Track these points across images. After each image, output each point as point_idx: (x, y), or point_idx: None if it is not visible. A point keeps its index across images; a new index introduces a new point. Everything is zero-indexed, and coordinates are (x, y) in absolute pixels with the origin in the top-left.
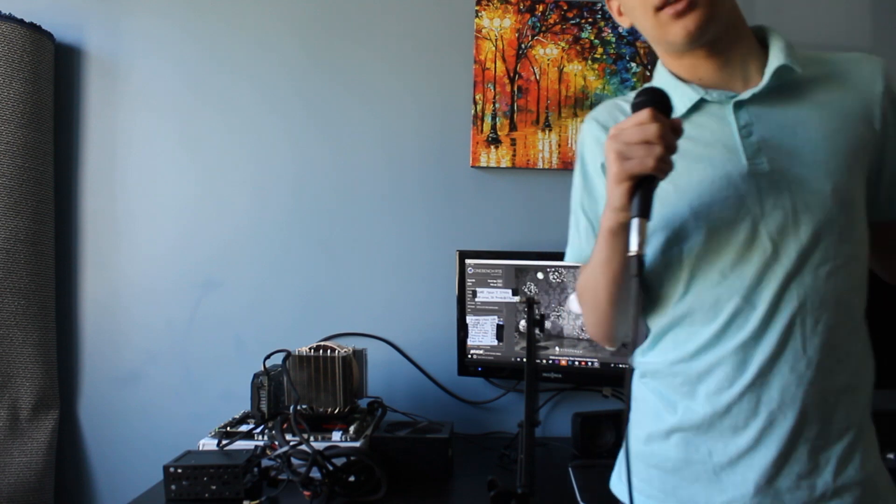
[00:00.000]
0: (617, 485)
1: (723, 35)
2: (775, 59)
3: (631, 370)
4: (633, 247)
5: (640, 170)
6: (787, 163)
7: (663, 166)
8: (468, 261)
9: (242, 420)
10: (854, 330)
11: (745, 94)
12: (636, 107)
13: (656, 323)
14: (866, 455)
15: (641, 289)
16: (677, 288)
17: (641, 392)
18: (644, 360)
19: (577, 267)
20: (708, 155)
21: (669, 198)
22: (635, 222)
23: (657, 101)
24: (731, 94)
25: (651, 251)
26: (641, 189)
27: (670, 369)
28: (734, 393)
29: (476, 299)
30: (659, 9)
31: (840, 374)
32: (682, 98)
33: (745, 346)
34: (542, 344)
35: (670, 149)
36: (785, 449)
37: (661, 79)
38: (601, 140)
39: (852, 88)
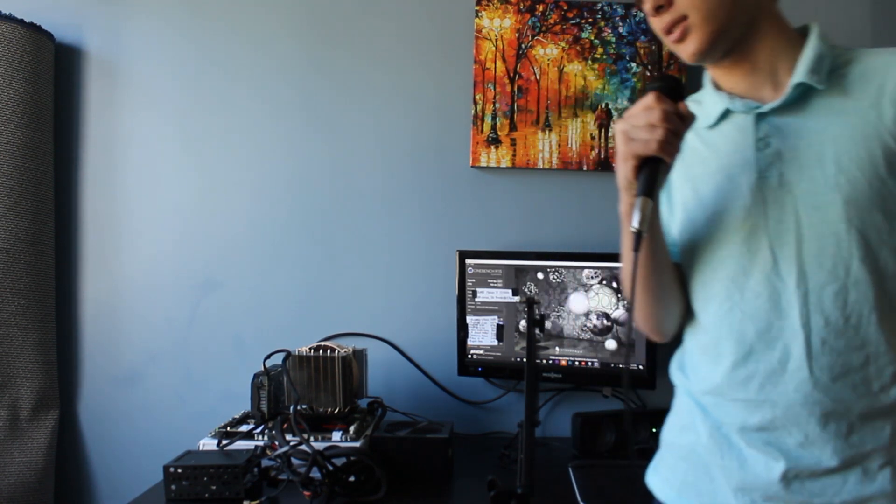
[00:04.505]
0: (652, 477)
1: (741, 44)
2: (798, 73)
3: (627, 370)
4: (635, 223)
5: (643, 151)
6: (798, 177)
7: (667, 148)
8: (468, 261)
9: (242, 420)
10: (876, 355)
11: (766, 107)
12: (646, 91)
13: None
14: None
15: (652, 263)
16: (695, 295)
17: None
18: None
19: (577, 267)
20: (727, 165)
21: (690, 204)
22: (638, 201)
23: (666, 86)
24: (754, 104)
25: (678, 255)
26: (646, 169)
27: (686, 386)
28: (744, 405)
29: (476, 299)
30: (665, 33)
31: (858, 400)
32: (714, 106)
33: (745, 361)
34: (542, 344)
35: (674, 132)
36: (793, 464)
37: (705, 86)
38: None
39: (885, 96)
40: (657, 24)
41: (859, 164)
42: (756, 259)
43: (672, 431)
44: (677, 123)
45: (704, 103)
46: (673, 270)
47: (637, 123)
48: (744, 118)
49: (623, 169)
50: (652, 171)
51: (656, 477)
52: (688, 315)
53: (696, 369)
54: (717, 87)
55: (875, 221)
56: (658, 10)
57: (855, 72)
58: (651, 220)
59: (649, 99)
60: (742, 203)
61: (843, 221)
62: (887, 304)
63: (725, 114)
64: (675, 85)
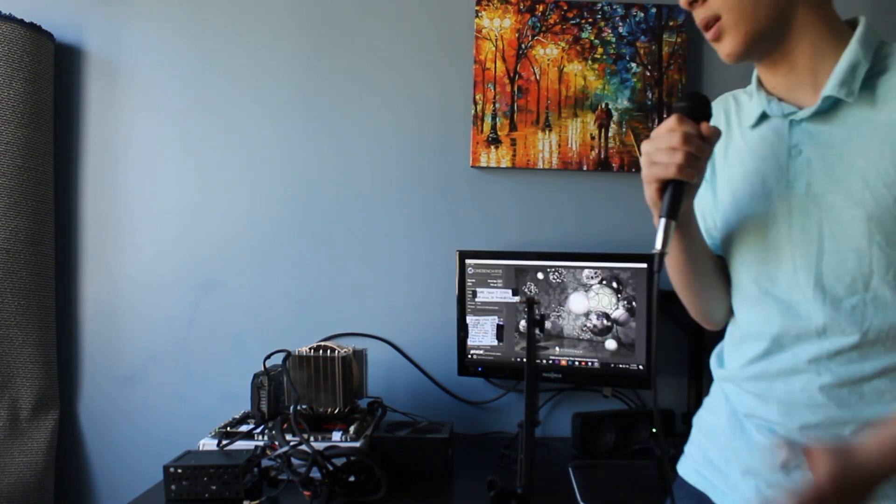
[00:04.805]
0: (683, 460)
1: (779, 44)
2: (830, 85)
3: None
4: (658, 245)
5: (664, 174)
6: (824, 188)
7: (687, 171)
8: (468, 261)
9: (242, 420)
10: (891, 368)
11: (799, 115)
12: (672, 111)
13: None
14: None
15: (658, 287)
16: (731, 287)
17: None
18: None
19: (577, 267)
20: (762, 168)
21: (727, 204)
22: (661, 222)
23: (689, 107)
24: (790, 109)
25: (720, 248)
26: (670, 191)
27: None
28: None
29: (476, 299)
30: (703, 30)
31: (867, 408)
32: (756, 107)
33: (761, 359)
34: (542, 344)
35: (695, 155)
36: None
37: (752, 84)
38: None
39: None
40: (695, 17)
41: (885, 180)
42: (779, 266)
43: (703, 412)
44: (698, 146)
45: (748, 103)
46: (715, 263)
47: (659, 146)
48: (780, 122)
49: (647, 191)
50: (674, 194)
51: (686, 457)
52: (734, 309)
53: (726, 358)
54: (761, 84)
55: None
56: (692, 3)
57: (890, 81)
58: (680, 223)
59: (672, 121)
60: (771, 209)
61: (864, 237)
62: None
63: (763, 116)
64: (701, 104)
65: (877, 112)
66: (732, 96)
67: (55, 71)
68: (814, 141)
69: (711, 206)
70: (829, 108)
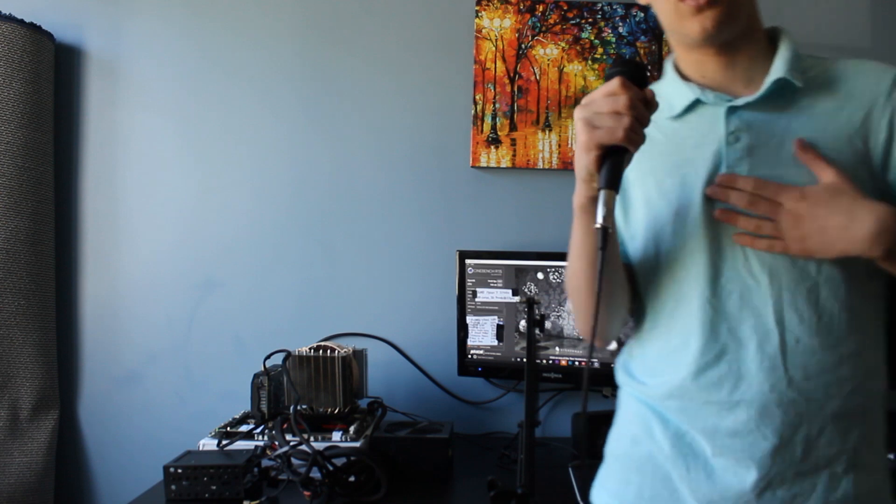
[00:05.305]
0: (599, 492)
1: (738, 36)
2: (777, 69)
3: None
4: (599, 219)
5: (608, 139)
6: (769, 174)
7: (633, 137)
8: (468, 261)
9: (242, 420)
10: (849, 355)
11: (740, 101)
12: (609, 77)
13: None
14: (860, 478)
15: (604, 263)
16: (657, 295)
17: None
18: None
19: None
20: (693, 157)
21: (653, 199)
22: (602, 194)
23: (629, 72)
24: (726, 97)
25: (635, 253)
26: (610, 160)
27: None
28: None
29: (476, 299)
30: None
31: (830, 400)
32: (680, 97)
33: (717, 362)
34: (542, 344)
35: (640, 120)
36: (765, 471)
37: (667, 75)
38: None
39: (855, 99)
40: None
41: (834, 164)
42: (726, 256)
43: (622, 442)
44: (643, 111)
45: (666, 93)
46: (624, 271)
47: (600, 110)
48: (713, 111)
49: (584, 159)
50: (616, 162)
51: (603, 492)
52: (641, 317)
53: (657, 373)
54: (683, 76)
55: None
56: None
57: (826, 76)
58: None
59: (614, 84)
60: (709, 198)
61: None
62: (858, 303)
63: (693, 104)
64: (640, 70)
65: (817, 102)
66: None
67: (55, 71)
68: (753, 128)
69: (621, 213)
70: (771, 95)
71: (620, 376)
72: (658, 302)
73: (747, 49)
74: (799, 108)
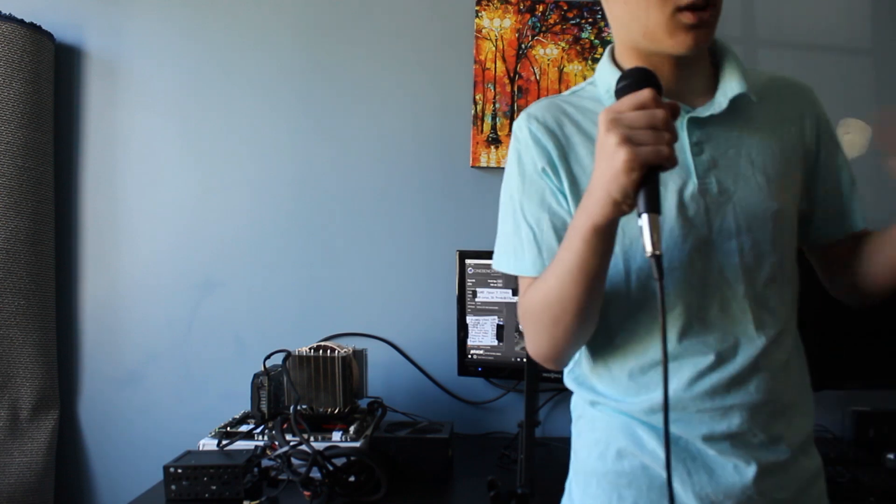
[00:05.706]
0: None
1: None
2: (734, 84)
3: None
4: (649, 247)
5: (654, 158)
6: (733, 185)
7: (674, 158)
8: (468, 261)
9: (242, 420)
10: (793, 349)
11: (704, 113)
12: (626, 88)
13: (596, 350)
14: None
15: (664, 292)
16: (628, 314)
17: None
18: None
19: None
20: None
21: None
22: (646, 217)
23: (653, 82)
24: (686, 107)
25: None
26: (651, 181)
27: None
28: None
29: (476, 299)
30: (681, 9)
31: (786, 392)
32: None
33: (710, 372)
34: None
35: (675, 136)
36: (762, 464)
37: (607, 70)
38: (541, 140)
39: (792, 111)
40: None
41: (784, 174)
42: (704, 267)
43: (605, 458)
44: (674, 126)
45: (608, 87)
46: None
47: (637, 125)
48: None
49: (624, 180)
50: (656, 182)
51: None
52: (607, 333)
53: (641, 389)
54: None
55: (793, 225)
56: None
57: (764, 89)
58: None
59: (645, 97)
60: (684, 210)
61: (777, 228)
62: (790, 298)
63: None
64: (657, 79)
65: (770, 112)
66: (554, 104)
67: (55, 71)
68: (713, 140)
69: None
70: (729, 108)
71: (584, 393)
72: (631, 320)
73: (705, 61)
74: (750, 119)
